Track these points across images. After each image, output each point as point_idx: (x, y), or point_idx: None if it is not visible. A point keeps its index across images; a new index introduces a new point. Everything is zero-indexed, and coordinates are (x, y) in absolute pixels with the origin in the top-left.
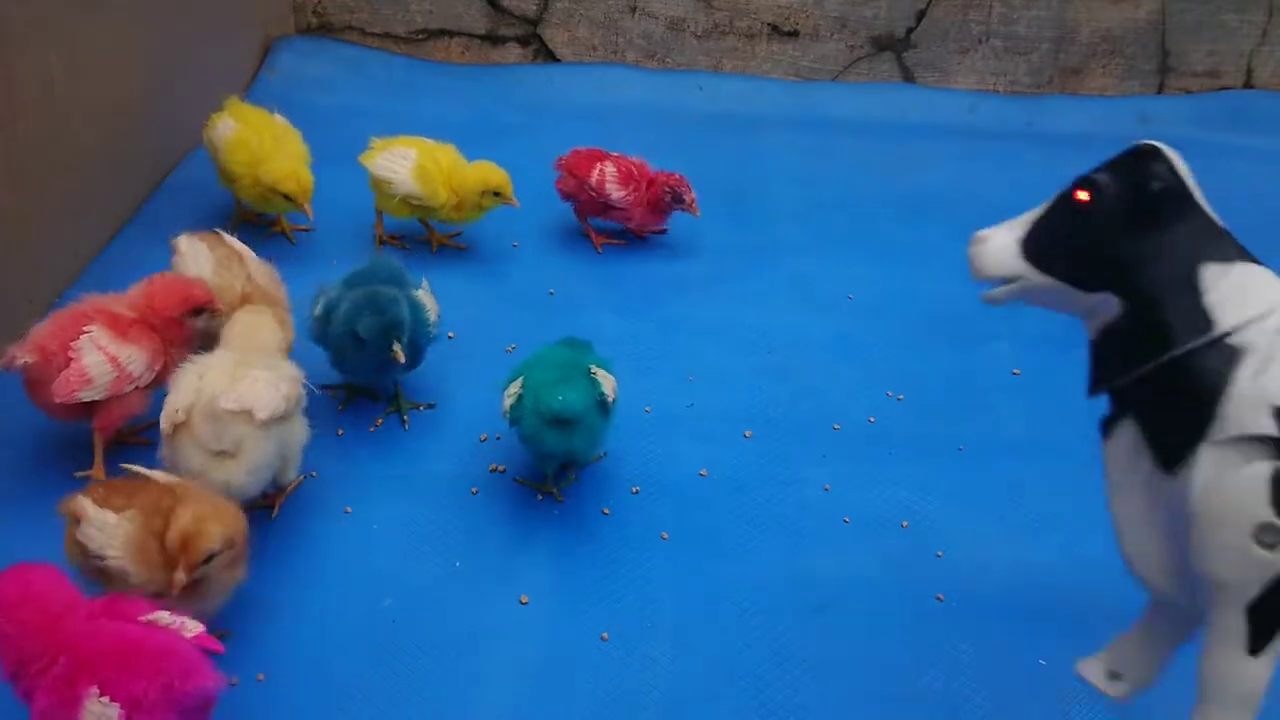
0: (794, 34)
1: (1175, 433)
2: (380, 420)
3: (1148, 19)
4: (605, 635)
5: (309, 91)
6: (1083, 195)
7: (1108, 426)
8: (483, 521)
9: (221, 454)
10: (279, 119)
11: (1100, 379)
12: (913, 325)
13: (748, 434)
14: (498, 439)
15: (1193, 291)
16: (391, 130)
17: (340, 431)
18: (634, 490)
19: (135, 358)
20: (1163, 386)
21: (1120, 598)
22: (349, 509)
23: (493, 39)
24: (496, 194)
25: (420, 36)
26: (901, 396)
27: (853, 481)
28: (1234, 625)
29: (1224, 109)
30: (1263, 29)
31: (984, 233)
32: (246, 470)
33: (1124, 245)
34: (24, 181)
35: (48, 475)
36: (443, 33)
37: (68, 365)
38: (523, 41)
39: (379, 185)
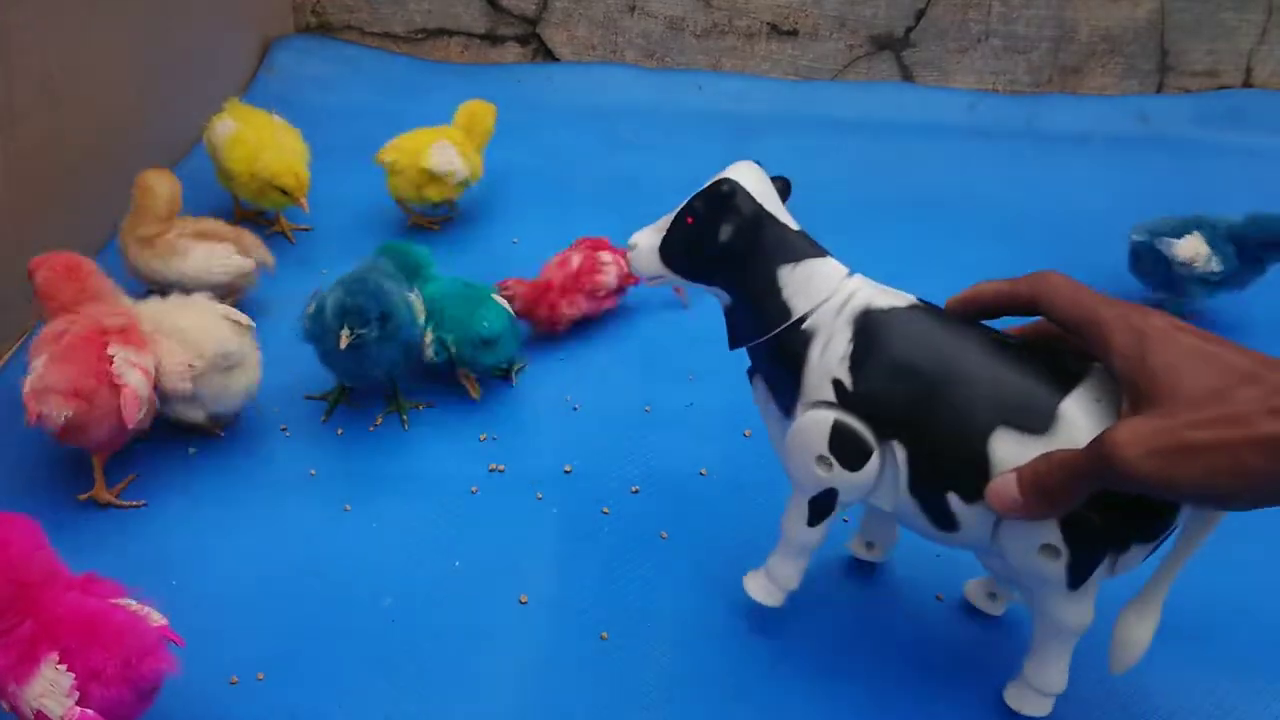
0: (793, 33)
1: (783, 394)
2: (380, 419)
3: (1147, 18)
4: (605, 635)
5: (308, 91)
6: (690, 219)
7: (751, 375)
8: (482, 521)
9: (230, 368)
10: (277, 118)
11: (732, 343)
12: None
13: (747, 433)
14: (496, 439)
15: (775, 289)
16: (393, 129)
17: (340, 431)
18: (634, 490)
19: (151, 361)
20: (770, 358)
21: (1120, 597)
22: (348, 507)
23: (492, 38)
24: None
25: (419, 36)
26: None
27: None
28: (801, 509)
29: (1223, 108)
30: (1262, 28)
31: (634, 239)
32: (256, 372)
33: (720, 257)
34: (21, 182)
35: (40, 496)
36: (442, 32)
37: (119, 394)
38: (522, 41)
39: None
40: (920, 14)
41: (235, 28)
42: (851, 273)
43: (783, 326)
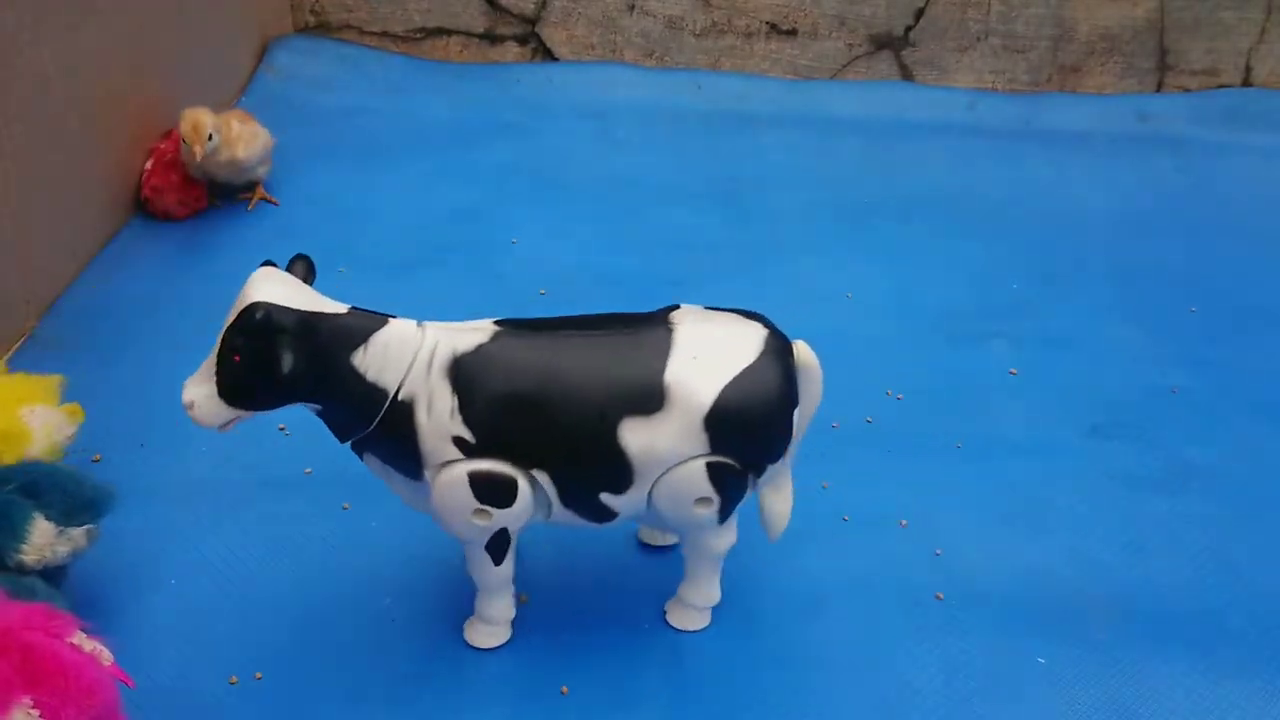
0: (792, 32)
1: (405, 465)
2: None
3: (1146, 17)
4: (605, 634)
5: (307, 90)
6: (236, 357)
7: (358, 452)
8: None
9: None
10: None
11: (341, 439)
12: (911, 324)
13: None
14: None
15: (358, 378)
16: (392, 129)
17: None
18: None
19: None
20: (381, 440)
21: (1119, 597)
22: (347, 505)
23: (491, 38)
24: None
25: (418, 35)
26: (900, 395)
27: (851, 480)
28: (482, 557)
29: (1222, 107)
30: (1261, 27)
31: (187, 396)
32: None
33: (286, 378)
34: (20, 183)
35: None
36: (441, 31)
37: None
38: (521, 40)
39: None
40: (920, 13)
41: (235, 27)
42: (420, 322)
43: (384, 410)
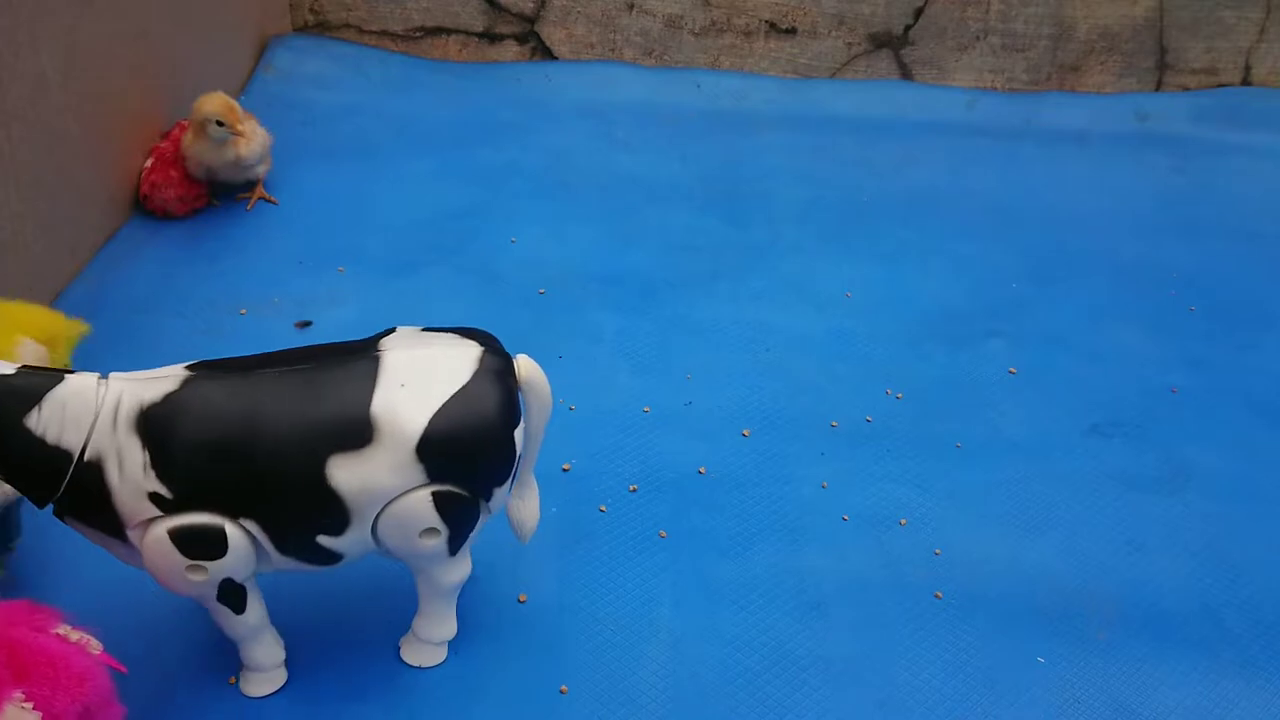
0: (791, 31)
1: (106, 527)
2: None
3: (1145, 16)
4: (604, 634)
5: (306, 89)
6: None
7: (61, 517)
8: None
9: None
10: None
11: (41, 504)
12: (910, 323)
13: (746, 432)
14: None
15: (36, 442)
16: (391, 128)
17: None
18: (631, 489)
19: None
20: (74, 505)
21: (1118, 597)
22: None
23: (490, 36)
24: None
25: (417, 34)
26: (900, 395)
27: (851, 479)
28: (221, 611)
29: (1222, 106)
30: (1260, 26)
31: None
32: None
33: None
34: (20, 181)
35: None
36: (440, 30)
37: None
38: (520, 39)
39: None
40: (919, 12)
41: (233, 26)
42: (103, 375)
43: (70, 472)
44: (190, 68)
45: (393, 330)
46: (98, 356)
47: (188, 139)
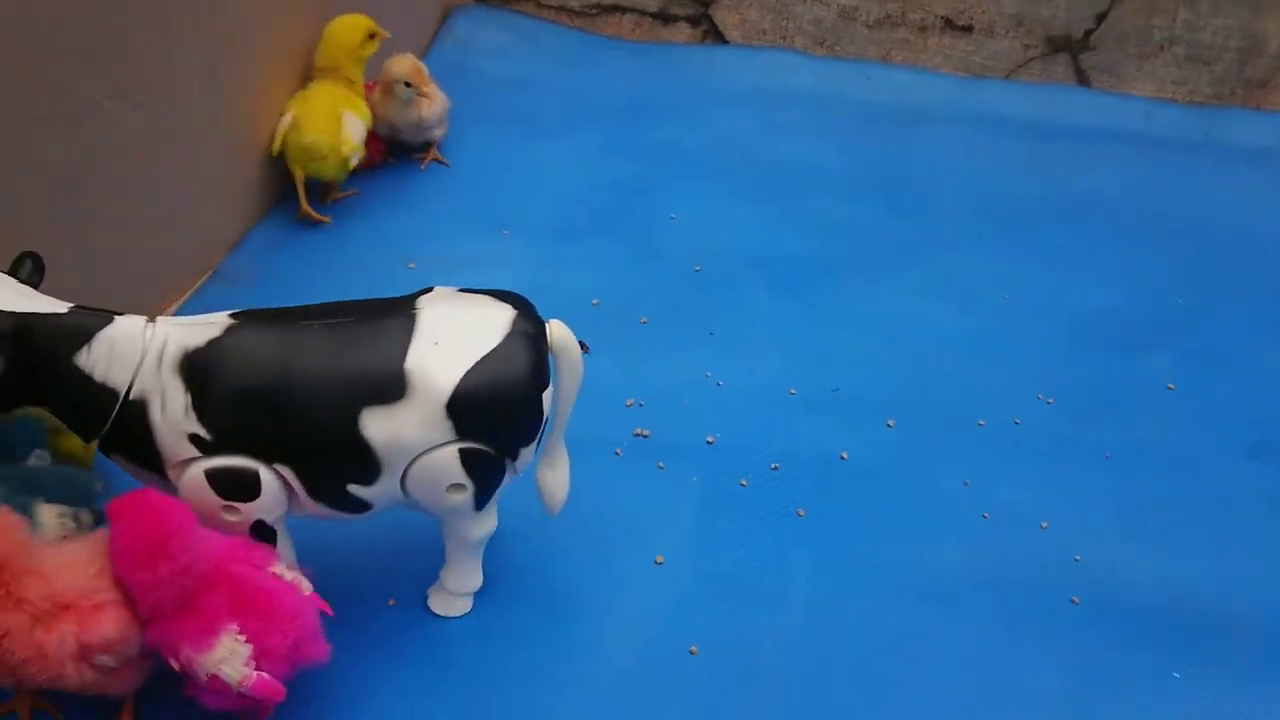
0: (968, 29)
1: (148, 464)
2: None
3: None
4: (735, 602)
5: (483, 60)
6: None
7: (106, 451)
8: (624, 482)
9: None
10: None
11: (86, 437)
12: (1068, 329)
13: (890, 423)
14: (642, 405)
15: (84, 379)
16: (562, 101)
17: None
18: (773, 467)
19: None
20: (118, 440)
21: (1266, 623)
22: None
23: (664, 17)
24: (372, 35)
25: (594, 11)
26: (1051, 400)
27: (993, 478)
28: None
29: None
30: None
31: None
32: None
33: (5, 382)
34: (214, 129)
35: None
36: (616, 8)
37: None
38: (693, 21)
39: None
40: (1102, 17)
41: None
42: (150, 319)
43: (115, 410)
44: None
45: (430, 289)
46: (279, 294)
47: (376, 97)
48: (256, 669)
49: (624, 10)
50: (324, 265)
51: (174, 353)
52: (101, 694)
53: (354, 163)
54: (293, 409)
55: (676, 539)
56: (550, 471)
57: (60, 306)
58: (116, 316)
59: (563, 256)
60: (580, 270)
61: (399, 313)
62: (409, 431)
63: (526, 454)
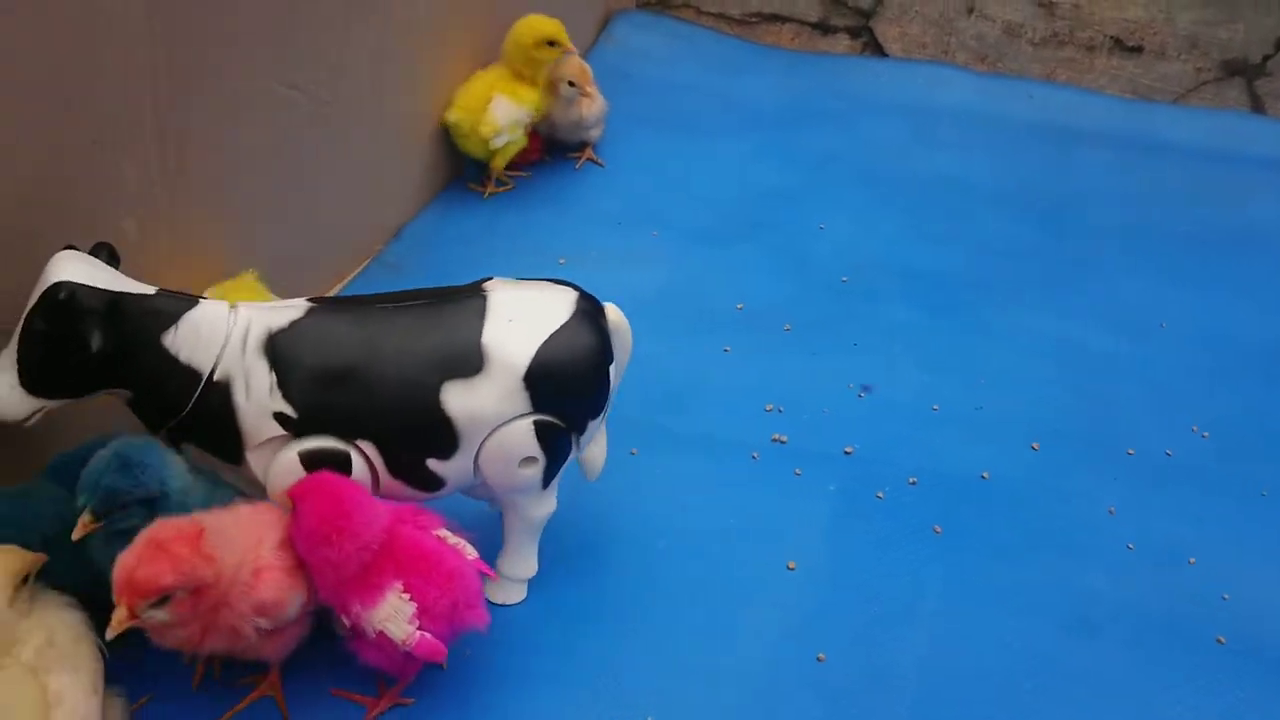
0: (1138, 50)
1: (224, 447)
2: None
3: None
4: (867, 612)
5: (641, 63)
6: (39, 343)
7: (174, 439)
8: (759, 485)
9: None
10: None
11: (154, 428)
12: (1229, 361)
13: (1035, 446)
14: (781, 411)
15: (170, 360)
16: (717, 107)
17: None
18: (911, 481)
19: None
20: (197, 425)
21: None
22: (634, 451)
23: (824, 28)
24: (551, 44)
25: (753, 19)
26: (1206, 433)
27: (1141, 509)
28: None
29: None
30: None
31: None
32: None
33: (95, 359)
34: (383, 122)
35: None
36: (776, 17)
37: None
38: (853, 33)
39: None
40: None
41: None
42: (233, 304)
43: (197, 393)
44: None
45: (489, 278)
46: (428, 280)
47: (563, 91)
48: (420, 629)
49: (784, 20)
50: (478, 256)
51: (258, 334)
52: (255, 658)
53: (497, 144)
54: (376, 384)
55: (809, 546)
56: (592, 444)
57: (147, 288)
58: (201, 299)
59: (709, 259)
60: (726, 274)
61: (469, 295)
62: (488, 404)
63: (591, 428)
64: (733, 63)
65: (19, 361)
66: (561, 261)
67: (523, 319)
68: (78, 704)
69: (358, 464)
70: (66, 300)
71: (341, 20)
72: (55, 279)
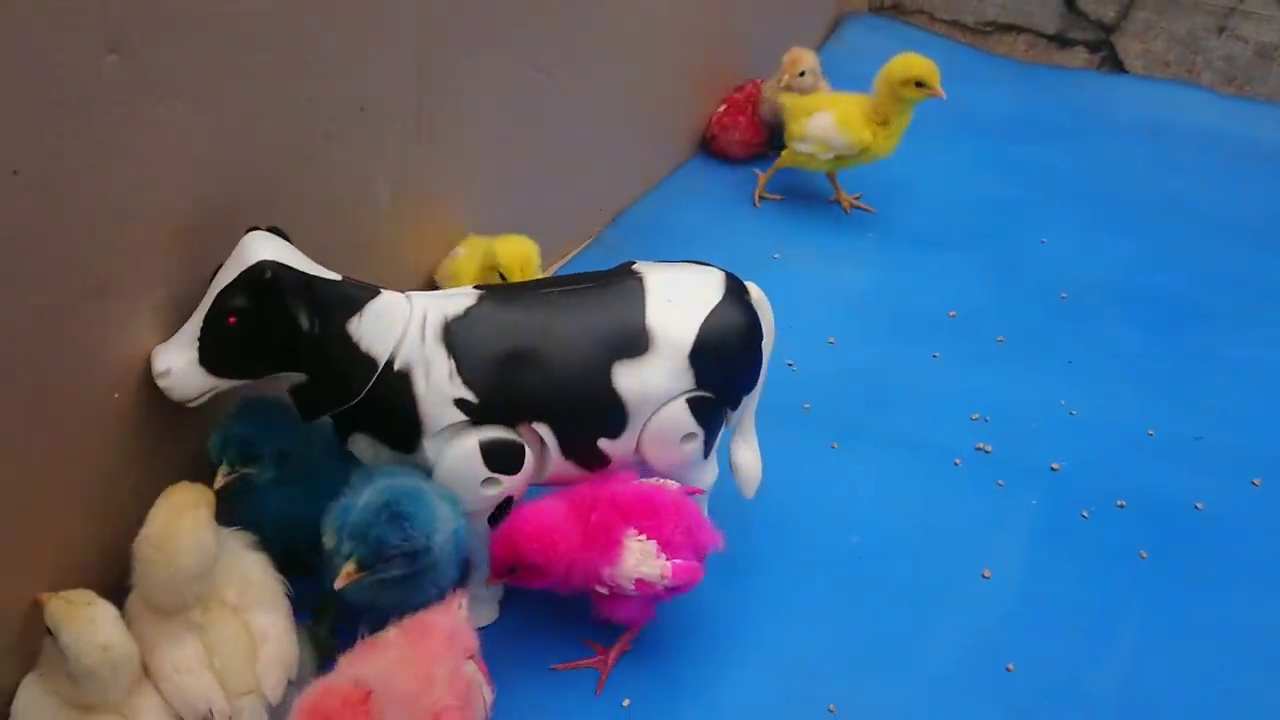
0: None
1: (401, 436)
2: None
3: None
4: (1061, 629)
5: (870, 66)
6: (233, 319)
7: (343, 431)
8: (959, 492)
9: None
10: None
11: (310, 415)
12: None
13: (1256, 482)
14: (987, 421)
15: (351, 346)
16: (943, 114)
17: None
18: (1119, 504)
19: None
20: (371, 413)
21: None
22: (835, 444)
23: (1061, 40)
24: (919, 84)
25: (988, 29)
26: None
27: None
28: (481, 527)
29: None
30: None
31: (162, 363)
32: None
33: (281, 341)
34: (611, 107)
35: None
36: (1011, 28)
37: None
38: (1092, 47)
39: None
40: None
41: (814, 1)
42: (405, 292)
43: (374, 379)
44: (769, 32)
45: (633, 262)
46: None
47: (769, 84)
48: (668, 559)
49: (1019, 30)
50: (693, 244)
51: (435, 323)
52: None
53: (798, 149)
54: (552, 366)
55: (1007, 557)
56: (744, 446)
57: (334, 276)
58: (382, 289)
59: (924, 264)
60: (939, 280)
61: (625, 278)
62: (656, 381)
63: (745, 403)
64: (963, 71)
65: (202, 339)
66: (776, 257)
67: (680, 299)
68: (281, 639)
69: (529, 460)
70: (270, 281)
71: (596, 14)
72: (256, 256)
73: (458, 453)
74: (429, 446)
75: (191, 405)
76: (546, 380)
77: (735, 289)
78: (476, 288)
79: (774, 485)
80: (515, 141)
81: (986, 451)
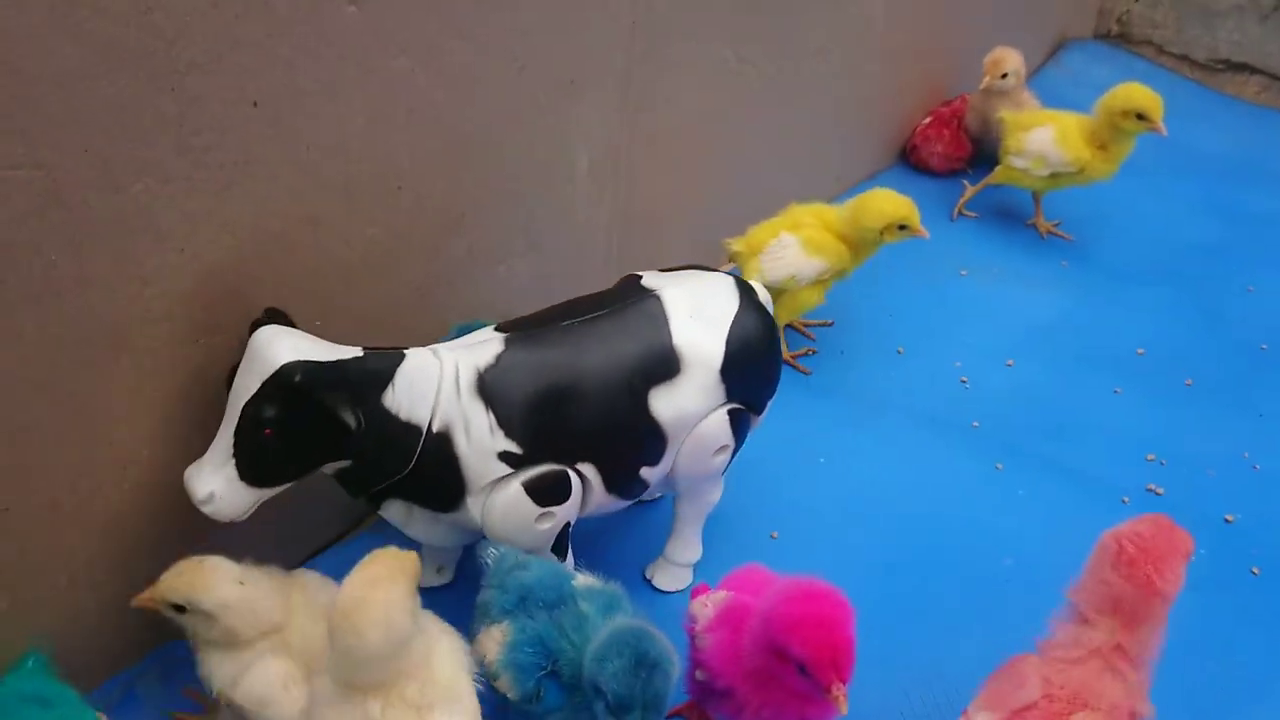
0: None
1: (443, 497)
2: None
3: None
4: (1219, 681)
5: (1090, 93)
6: (269, 431)
7: (375, 500)
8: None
9: None
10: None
11: (359, 491)
12: None
13: None
14: (1163, 464)
15: (390, 419)
16: (1160, 150)
17: None
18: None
19: None
20: (415, 479)
21: None
22: (1000, 465)
23: None
24: (1140, 117)
25: (1219, 66)
26: None
27: None
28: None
29: None
30: None
31: (202, 490)
32: None
33: (326, 440)
34: (819, 107)
35: None
36: (1244, 67)
37: None
38: None
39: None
40: None
41: (1036, 23)
42: (434, 350)
43: (420, 446)
44: (985, 49)
45: (638, 274)
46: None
47: (976, 94)
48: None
49: (1253, 70)
50: (881, 251)
51: (468, 375)
52: None
53: (1013, 164)
54: (590, 403)
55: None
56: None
57: (353, 351)
58: (406, 351)
59: (1117, 297)
60: (1131, 315)
61: (640, 297)
62: (691, 402)
63: (766, 408)
64: (1186, 108)
65: (237, 455)
66: (963, 273)
67: (700, 313)
68: None
69: (576, 483)
70: (302, 383)
71: (808, 12)
72: (280, 359)
73: (504, 500)
74: (472, 503)
75: (242, 519)
76: (586, 420)
77: (749, 294)
78: (497, 328)
79: (933, 497)
80: (715, 126)
81: (1158, 494)
